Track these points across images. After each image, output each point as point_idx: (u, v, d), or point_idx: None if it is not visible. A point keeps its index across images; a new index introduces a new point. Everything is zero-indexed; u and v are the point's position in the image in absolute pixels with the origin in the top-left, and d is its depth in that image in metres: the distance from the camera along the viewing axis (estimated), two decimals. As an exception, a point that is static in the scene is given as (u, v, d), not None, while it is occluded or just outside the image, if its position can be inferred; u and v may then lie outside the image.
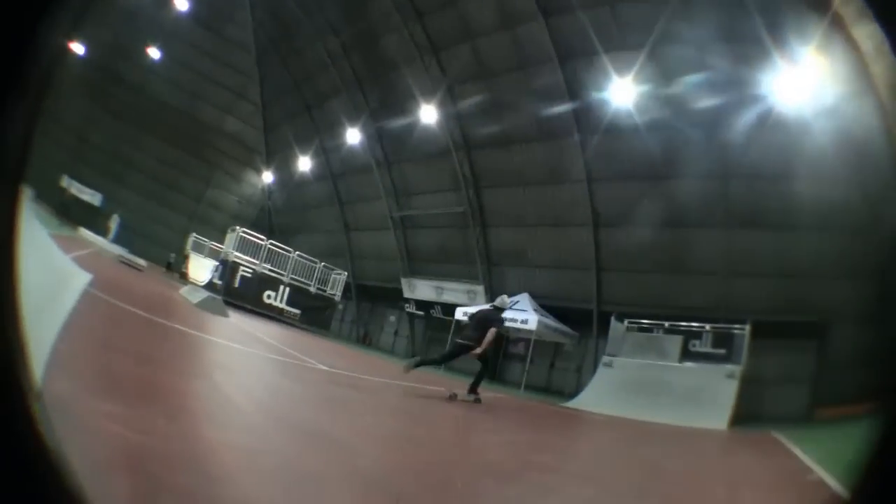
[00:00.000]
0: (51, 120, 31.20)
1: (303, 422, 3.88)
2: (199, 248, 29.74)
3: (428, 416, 6.19)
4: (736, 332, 10.98)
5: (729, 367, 10.36)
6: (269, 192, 37.62)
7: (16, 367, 0.79)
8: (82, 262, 8.93)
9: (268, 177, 36.73)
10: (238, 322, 12.18)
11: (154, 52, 33.29)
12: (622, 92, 14.19)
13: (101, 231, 28.63)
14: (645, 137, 14.11)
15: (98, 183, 34.94)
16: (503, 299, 8.34)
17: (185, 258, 30.09)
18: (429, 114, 20.46)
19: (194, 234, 30.78)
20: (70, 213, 30.81)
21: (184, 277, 26.68)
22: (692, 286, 13.61)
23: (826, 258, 10.92)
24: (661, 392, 10.24)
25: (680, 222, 13.93)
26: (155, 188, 36.54)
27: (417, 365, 8.21)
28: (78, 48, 31.06)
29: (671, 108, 13.35)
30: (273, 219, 37.36)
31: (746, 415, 9.71)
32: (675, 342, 11.68)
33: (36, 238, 5.94)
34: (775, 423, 9.23)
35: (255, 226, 30.76)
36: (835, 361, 10.54)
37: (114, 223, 28.99)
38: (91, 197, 35.28)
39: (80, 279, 6.78)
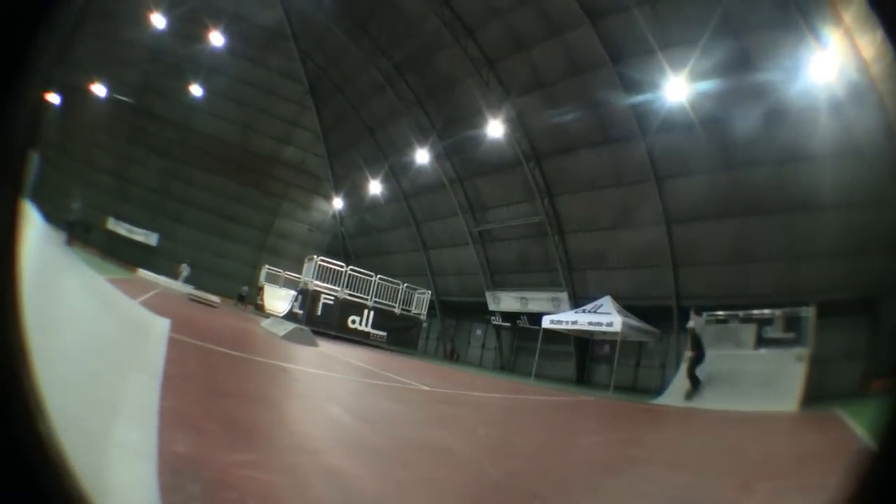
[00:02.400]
0: (86, 164, 37.11)
1: (423, 440, 4.51)
2: (272, 279, 32.89)
3: (533, 424, 7.48)
4: (802, 314, 12.54)
5: (797, 349, 11.96)
6: (340, 217, 41.38)
7: (17, 370, 0.86)
8: (153, 306, 9.82)
9: (338, 202, 40.46)
10: (328, 350, 13.28)
11: (196, 89, 37.29)
12: (676, 88, 15.99)
13: (162, 271, 32.03)
14: (700, 131, 15.91)
15: (152, 222, 39.80)
16: None
17: (259, 290, 32.97)
18: (495, 127, 22.89)
19: (267, 266, 33.93)
20: (123, 255, 34.90)
21: (259, 309, 29.87)
22: (761, 273, 15.14)
23: (875, 233, 12.22)
24: (739, 380, 12.01)
25: (743, 211, 15.54)
26: (216, 223, 41.05)
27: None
28: (99, 90, 36.32)
29: (722, 101, 15.03)
30: (347, 244, 40.93)
31: (814, 394, 11.27)
32: (750, 330, 13.38)
33: (97, 287, 6.73)
34: (838, 399, 10.68)
35: (329, 252, 34.20)
36: (886, 333, 11.86)
37: (184, 270, 32.22)
38: (145, 237, 40.01)
39: (160, 326, 7.43)
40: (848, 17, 11.66)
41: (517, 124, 22.76)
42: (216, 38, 33.89)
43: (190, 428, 2.94)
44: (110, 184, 38.59)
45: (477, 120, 23.92)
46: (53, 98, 33.37)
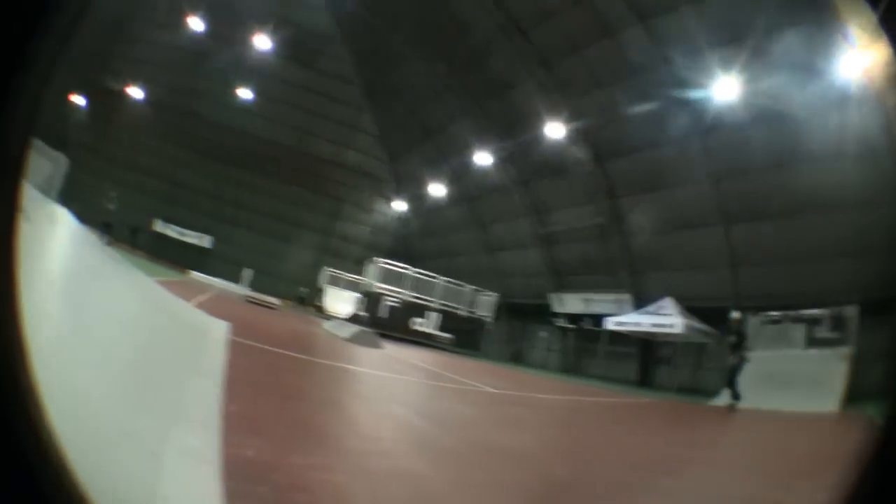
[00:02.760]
0: (127, 167, 39.74)
1: (492, 441, 4.85)
2: (334, 281, 34.90)
3: (599, 426, 8.25)
4: (846, 314, 13.39)
5: (842, 349, 12.84)
6: (402, 219, 43.33)
7: (16, 368, 0.89)
8: (209, 308, 10.27)
9: (400, 204, 42.41)
10: (393, 352, 14.04)
11: (245, 93, 39.30)
12: (726, 87, 17.00)
13: (217, 274, 34.04)
14: (750, 130, 16.92)
15: (205, 225, 42.43)
16: None
17: (320, 292, 35.07)
18: (555, 129, 24.11)
19: (328, 268, 35.99)
20: (174, 258, 36.68)
21: (319, 311, 31.77)
22: (813, 273, 15.86)
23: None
24: (791, 380, 12.99)
25: (797, 210, 16.36)
26: (274, 225, 43.46)
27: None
28: (136, 93, 38.76)
29: (772, 99, 15.92)
30: (410, 246, 42.92)
31: (855, 393, 12.13)
32: (800, 330, 14.28)
33: (145, 289, 7.19)
34: (880, 397, 11.47)
35: (391, 254, 35.95)
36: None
37: (246, 275, 34.26)
38: (199, 239, 42.62)
39: (218, 329, 7.70)
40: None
41: (577, 126, 23.88)
42: (262, 42, 35.56)
43: (257, 432, 3.15)
44: (157, 187, 41.50)
45: (537, 121, 25.10)
46: (79, 100, 36.88)
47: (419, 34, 30.99)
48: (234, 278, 34.96)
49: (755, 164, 17.46)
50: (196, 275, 32.12)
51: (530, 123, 25.77)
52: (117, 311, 4.65)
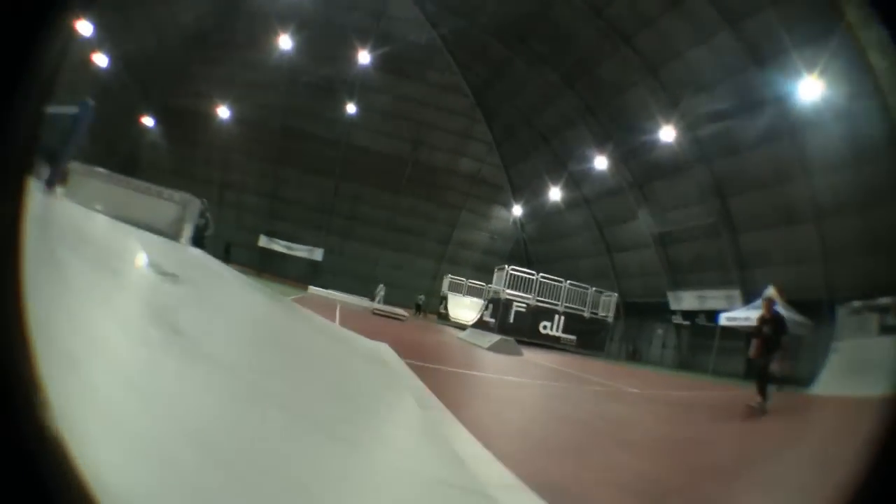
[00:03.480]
0: (234, 189, 43.90)
1: (667, 434, 6.15)
2: (455, 288, 37.75)
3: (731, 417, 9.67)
4: None
5: None
6: (521, 224, 47.00)
7: (20, 367, 0.93)
8: (346, 324, 11.44)
9: (517, 210, 46.04)
10: (532, 358, 15.47)
11: (350, 107, 43.17)
12: (811, 88, 19.45)
13: (330, 286, 37.64)
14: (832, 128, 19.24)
15: (314, 238, 46.66)
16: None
17: (443, 299, 37.71)
18: (667, 132, 27.12)
19: (449, 275, 39.03)
20: (283, 272, 40.90)
21: (444, 318, 34.89)
22: (885, 262, 17.71)
23: None
24: (867, 368, 15.18)
25: (873, 203, 18.38)
26: (389, 236, 47.80)
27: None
28: (224, 112, 42.60)
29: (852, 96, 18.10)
30: (529, 250, 46.48)
31: None
32: (873, 319, 16.34)
33: (305, 316, 8.78)
34: None
35: (511, 258, 39.52)
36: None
37: (381, 291, 36.58)
38: (309, 252, 46.76)
39: (386, 351, 8.36)
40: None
41: (686, 128, 26.53)
42: (363, 57, 39.06)
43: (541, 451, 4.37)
44: (257, 203, 45.96)
45: (648, 124, 28.11)
46: (150, 122, 41.77)
47: (525, 42, 34.51)
48: (352, 290, 38.15)
49: (838, 160, 19.68)
50: (315, 289, 34.90)
51: (641, 126, 28.75)
52: (308, 346, 6.15)
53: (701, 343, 27.54)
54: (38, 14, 0.95)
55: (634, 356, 33.29)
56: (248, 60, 40.35)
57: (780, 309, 12.32)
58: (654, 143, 28.14)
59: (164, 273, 5.66)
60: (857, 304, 17.75)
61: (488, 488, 2.91)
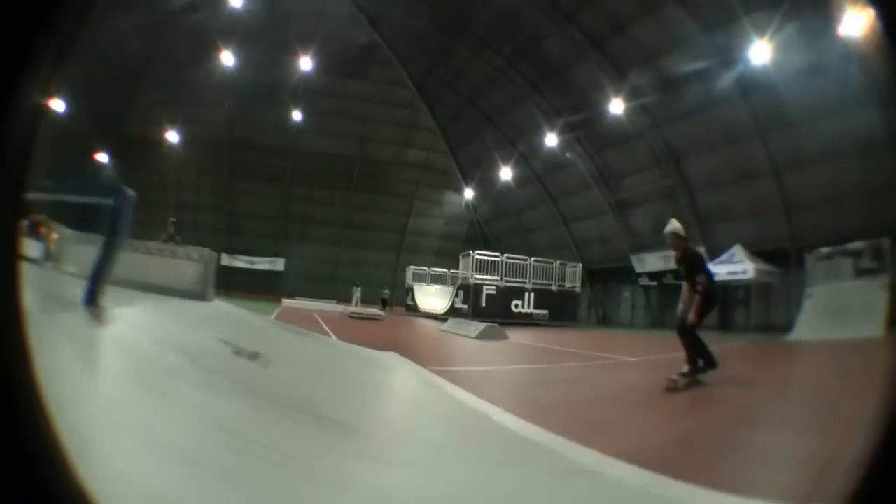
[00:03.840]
0: (190, 211, 41.27)
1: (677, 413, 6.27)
2: (419, 278, 37.87)
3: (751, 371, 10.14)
4: (883, 245, 16.55)
5: (881, 278, 15.94)
6: (473, 206, 47.66)
7: (18, 368, 0.94)
8: (342, 336, 11.82)
9: (469, 193, 46.64)
10: (518, 340, 15.87)
11: (296, 114, 42.67)
12: (760, 52, 20.66)
13: (300, 295, 37.41)
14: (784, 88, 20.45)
15: (273, 248, 46.08)
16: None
17: (409, 290, 37.71)
18: (616, 105, 28.05)
19: (411, 266, 39.33)
20: (248, 287, 38.98)
21: (413, 310, 34.96)
22: (854, 211, 19.00)
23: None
24: (842, 311, 16.26)
25: (833, 157, 19.72)
26: (345, 234, 47.61)
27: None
28: (172, 135, 40.26)
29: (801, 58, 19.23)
30: (485, 230, 47.21)
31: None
32: (848, 263, 17.57)
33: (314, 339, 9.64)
34: None
35: (467, 241, 40.03)
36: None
37: (357, 293, 35.37)
38: (271, 264, 46.07)
39: (400, 362, 8.64)
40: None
41: (634, 98, 27.48)
42: (305, 63, 38.80)
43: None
44: (212, 222, 44.36)
45: (596, 98, 28.97)
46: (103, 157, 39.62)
47: (465, 27, 34.82)
48: (321, 294, 38.37)
49: (793, 118, 20.91)
50: (289, 302, 34.49)
51: (590, 100, 29.60)
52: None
53: (669, 301, 28.74)
54: (35, 19, 0.96)
55: (605, 321, 34.46)
56: (191, 79, 39.46)
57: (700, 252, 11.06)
58: (604, 116, 28.98)
59: (243, 352, 5.72)
60: (825, 250, 19.00)
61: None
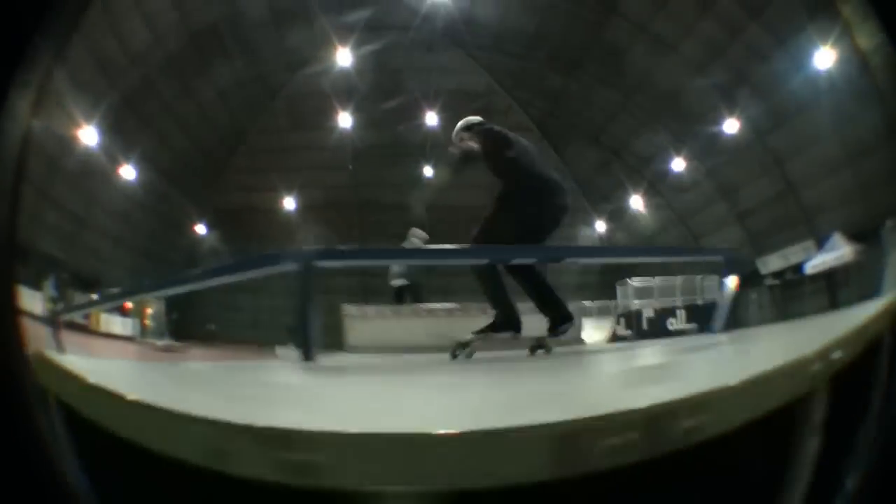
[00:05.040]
0: None
1: None
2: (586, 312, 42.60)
3: None
4: None
5: None
6: (605, 238, 52.30)
7: (17, 367, 0.99)
8: None
9: (600, 225, 50.71)
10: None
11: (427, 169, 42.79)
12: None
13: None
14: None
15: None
16: None
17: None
18: (731, 124, 33.52)
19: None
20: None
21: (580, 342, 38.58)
22: None
23: None
24: None
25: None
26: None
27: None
28: (288, 201, 43.74)
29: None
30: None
31: None
32: None
33: None
34: None
35: (602, 273, 43.88)
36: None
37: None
38: None
39: None
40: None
41: (742, 115, 32.80)
42: (430, 118, 42.14)
43: None
44: (347, 283, 43.07)
45: (712, 117, 34.01)
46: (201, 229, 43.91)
47: (580, 66, 40.21)
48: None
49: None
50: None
51: (706, 121, 34.52)
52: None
53: (792, 293, 32.81)
54: (36, 15, 1.05)
55: (738, 323, 37.43)
56: (302, 142, 43.74)
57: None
58: (719, 136, 34.05)
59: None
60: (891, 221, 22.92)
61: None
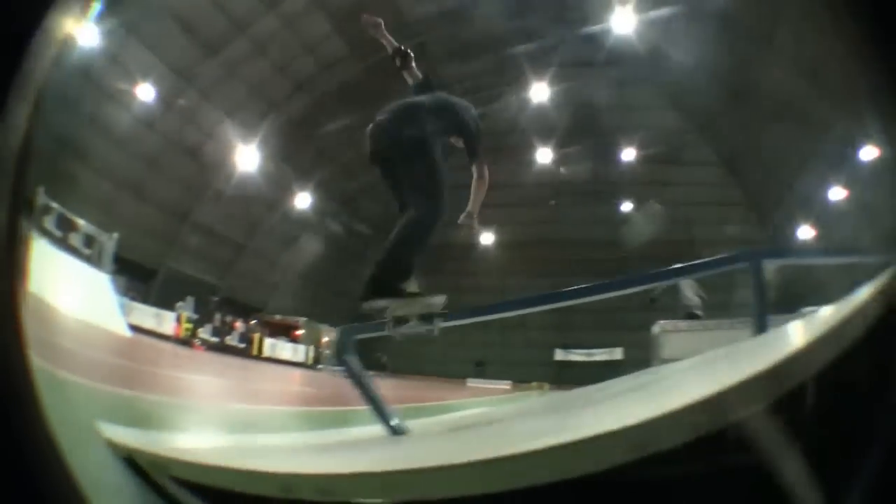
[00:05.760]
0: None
1: None
2: None
3: None
4: None
5: None
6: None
7: (16, 366, 1.00)
8: None
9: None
10: None
11: (625, 206, 47.43)
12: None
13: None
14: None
15: (613, 339, 48.26)
16: None
17: None
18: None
19: None
20: (585, 379, 44.43)
21: None
22: None
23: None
24: None
25: None
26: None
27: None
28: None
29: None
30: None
31: None
32: None
33: None
34: None
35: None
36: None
37: None
38: (608, 353, 48.12)
39: None
40: None
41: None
42: (627, 154, 45.02)
43: None
44: (544, 319, 45.18)
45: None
46: None
47: (751, 99, 41.21)
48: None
49: None
50: None
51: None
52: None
53: None
54: (37, 12, 1.03)
55: None
56: (500, 177, 45.47)
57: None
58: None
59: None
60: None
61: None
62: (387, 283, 5.10)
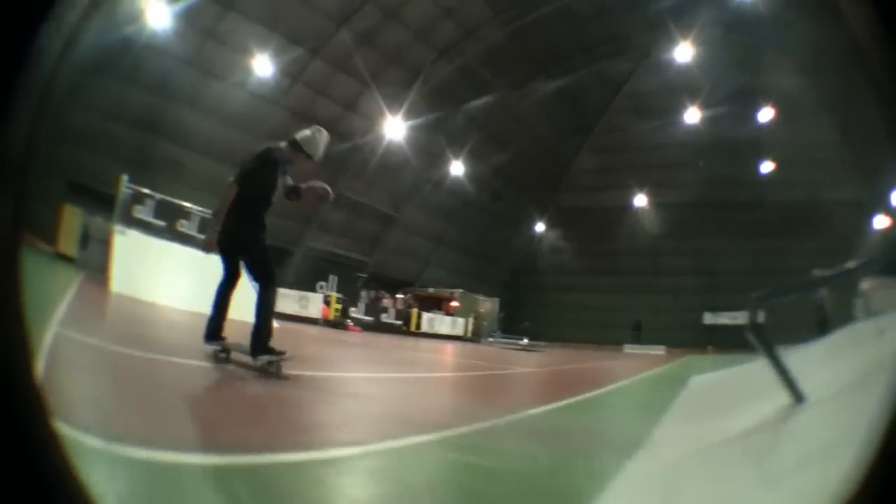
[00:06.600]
0: (664, 275, 45.45)
1: None
2: None
3: None
4: None
5: None
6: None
7: (17, 366, 1.00)
8: None
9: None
10: None
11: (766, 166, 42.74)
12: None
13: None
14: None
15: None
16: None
17: None
18: None
19: None
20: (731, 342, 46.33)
21: None
22: None
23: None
24: None
25: None
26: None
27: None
28: (638, 199, 45.59)
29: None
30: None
31: None
32: None
33: None
34: None
35: None
36: None
37: None
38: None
39: None
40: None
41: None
42: (764, 115, 41.22)
43: None
44: (693, 282, 44.96)
45: None
46: (539, 227, 50.03)
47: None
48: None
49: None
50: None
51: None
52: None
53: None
54: (41, 12, 1.02)
55: None
56: (648, 139, 44.82)
57: None
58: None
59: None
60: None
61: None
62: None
